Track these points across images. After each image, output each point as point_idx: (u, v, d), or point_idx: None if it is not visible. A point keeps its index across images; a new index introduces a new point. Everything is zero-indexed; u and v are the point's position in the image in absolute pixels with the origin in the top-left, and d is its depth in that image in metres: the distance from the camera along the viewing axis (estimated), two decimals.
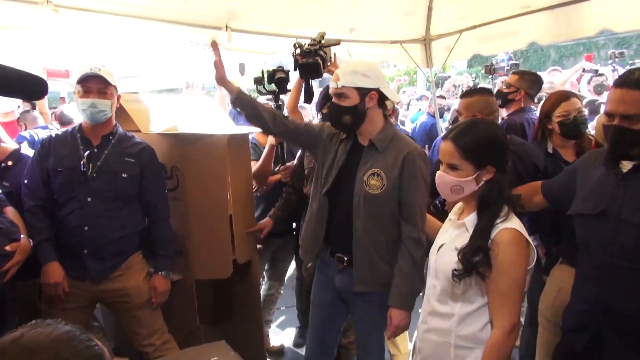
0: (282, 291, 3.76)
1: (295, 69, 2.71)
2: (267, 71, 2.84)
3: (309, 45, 2.65)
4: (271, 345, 3.67)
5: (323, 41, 2.67)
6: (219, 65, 2.33)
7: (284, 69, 2.84)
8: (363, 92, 2.11)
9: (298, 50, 2.66)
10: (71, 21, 3.21)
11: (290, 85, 2.96)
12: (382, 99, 2.17)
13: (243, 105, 2.32)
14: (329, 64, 2.74)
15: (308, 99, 2.94)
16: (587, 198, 1.81)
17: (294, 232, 3.40)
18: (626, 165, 1.71)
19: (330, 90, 2.19)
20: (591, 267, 1.78)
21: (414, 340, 3.04)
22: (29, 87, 1.81)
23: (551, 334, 2.30)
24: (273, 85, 2.84)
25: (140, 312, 2.45)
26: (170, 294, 2.54)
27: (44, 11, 3.07)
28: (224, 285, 2.99)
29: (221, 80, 2.34)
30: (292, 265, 3.83)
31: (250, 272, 2.98)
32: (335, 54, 2.84)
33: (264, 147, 3.14)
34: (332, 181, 2.24)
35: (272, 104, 2.78)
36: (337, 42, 2.78)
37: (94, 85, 2.28)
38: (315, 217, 2.32)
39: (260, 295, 3.29)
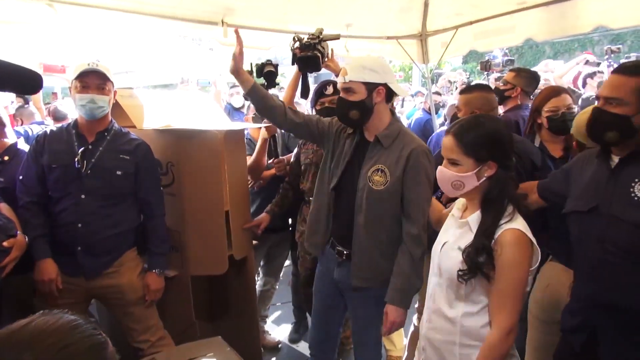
0: (277, 287, 3.77)
1: (293, 63, 2.71)
2: (256, 65, 2.81)
3: (308, 38, 2.65)
4: (267, 341, 3.67)
5: (322, 36, 2.68)
6: (238, 57, 2.28)
7: (273, 62, 2.84)
8: (371, 87, 2.11)
9: (297, 44, 2.66)
10: (66, 16, 3.19)
11: (279, 79, 2.95)
12: (389, 94, 2.17)
13: (256, 98, 2.30)
14: (327, 59, 2.75)
15: (305, 94, 2.94)
16: (580, 196, 1.82)
17: (290, 228, 3.40)
18: (614, 159, 1.73)
19: (338, 85, 2.19)
20: (586, 265, 1.78)
21: (409, 335, 3.07)
22: (23, 82, 1.79)
23: (539, 331, 2.30)
24: (262, 79, 2.82)
25: (134, 309, 2.45)
26: (166, 290, 2.54)
27: (39, 5, 3.06)
28: (219, 281, 2.98)
29: (236, 72, 2.29)
30: (288, 261, 3.83)
31: (246, 268, 2.98)
32: (332, 50, 2.84)
33: None
34: (339, 176, 2.25)
35: None
36: (336, 37, 2.77)
37: (92, 80, 2.26)
38: (322, 211, 2.32)
39: (256, 291, 3.30)
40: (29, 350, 0.83)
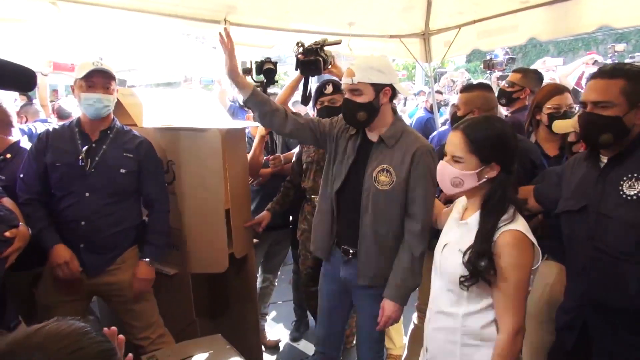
0: (276, 284, 3.78)
1: (296, 68, 2.75)
2: (256, 62, 2.84)
3: (311, 44, 2.71)
4: (267, 340, 3.68)
5: (324, 42, 2.73)
6: (230, 58, 2.22)
7: (272, 60, 2.86)
8: (378, 88, 2.10)
9: (300, 49, 2.70)
10: (69, 14, 3.20)
11: (282, 77, 2.98)
12: (393, 94, 2.17)
13: (256, 104, 2.29)
14: (329, 66, 2.78)
15: (305, 100, 2.98)
16: (571, 196, 1.84)
17: (291, 226, 3.41)
18: (603, 160, 1.76)
19: (344, 86, 2.18)
20: (577, 264, 1.80)
21: (409, 333, 3.08)
22: (17, 79, 1.78)
23: (537, 331, 2.30)
24: (261, 76, 2.85)
25: (135, 306, 2.46)
26: (167, 288, 2.55)
27: (42, 4, 3.06)
28: (220, 279, 2.99)
29: (233, 76, 2.25)
30: (289, 258, 3.84)
31: (246, 266, 2.99)
32: (334, 57, 2.85)
33: None
34: (343, 178, 2.24)
35: None
36: (338, 42, 2.82)
37: (98, 80, 2.28)
38: (326, 213, 2.32)
39: (256, 289, 3.30)
40: (41, 352, 0.87)
